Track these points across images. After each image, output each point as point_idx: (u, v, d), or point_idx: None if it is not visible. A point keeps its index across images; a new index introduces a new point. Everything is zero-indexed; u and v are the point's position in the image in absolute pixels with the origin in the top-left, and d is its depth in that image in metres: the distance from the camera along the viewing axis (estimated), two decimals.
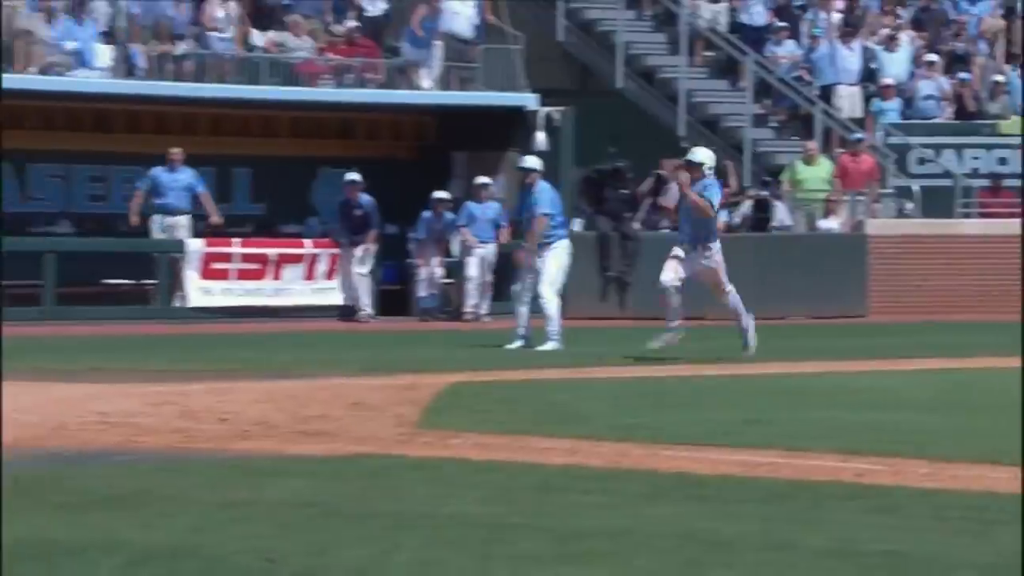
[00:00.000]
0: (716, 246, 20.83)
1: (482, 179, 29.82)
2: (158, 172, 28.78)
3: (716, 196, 21.07)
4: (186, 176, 29.03)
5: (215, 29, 30.60)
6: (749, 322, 20.95)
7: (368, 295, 29.65)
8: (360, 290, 29.53)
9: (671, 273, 20.67)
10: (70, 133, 29.91)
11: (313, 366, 19.80)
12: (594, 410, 15.34)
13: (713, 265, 20.72)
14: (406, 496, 10.67)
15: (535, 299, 22.66)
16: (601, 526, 9.33)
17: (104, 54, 29.04)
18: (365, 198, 29.30)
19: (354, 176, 29.36)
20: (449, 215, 29.95)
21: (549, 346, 22.35)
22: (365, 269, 29.44)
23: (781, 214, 31.99)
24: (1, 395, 14.06)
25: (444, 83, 31.64)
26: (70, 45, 28.70)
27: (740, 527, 9.16)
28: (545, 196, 22.78)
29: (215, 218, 29.21)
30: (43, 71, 28.40)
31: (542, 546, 8.67)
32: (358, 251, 29.20)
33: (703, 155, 21.26)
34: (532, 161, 23.67)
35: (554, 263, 22.52)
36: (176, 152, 28.88)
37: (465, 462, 12.10)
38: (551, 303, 22.53)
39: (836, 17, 35.40)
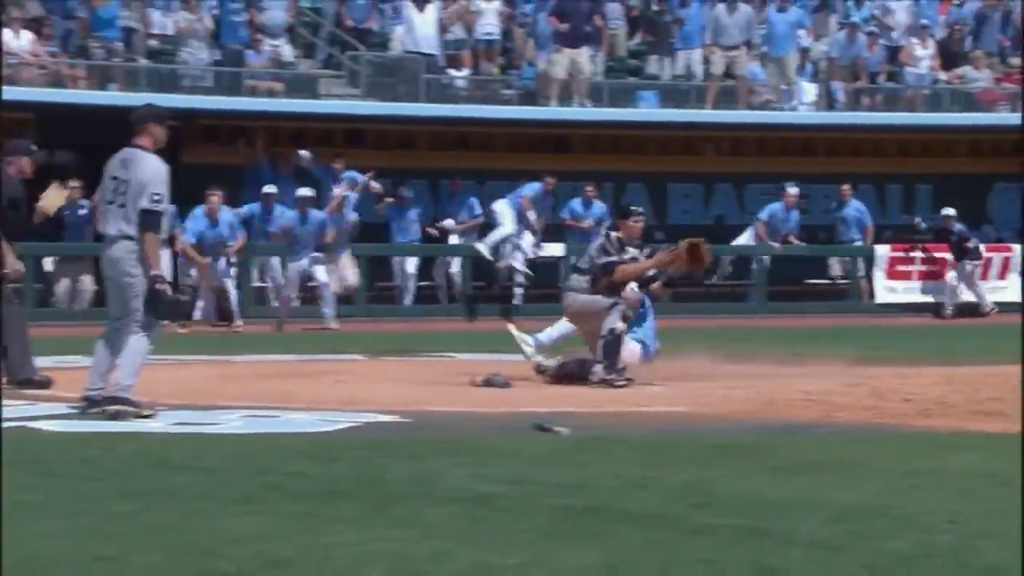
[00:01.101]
0: None
1: None
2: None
3: None
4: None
5: (909, 65, 30.83)
6: None
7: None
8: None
9: None
10: (779, 157, 30.62)
11: (980, 355, 18.68)
12: None
13: None
14: None
15: None
16: None
17: (810, 91, 29.60)
18: None
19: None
20: None
21: None
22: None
23: None
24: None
25: None
26: (784, 86, 29.31)
27: None
28: None
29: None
30: (757, 107, 29.13)
31: None
32: None
33: None
34: None
35: None
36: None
37: None
38: None
39: None
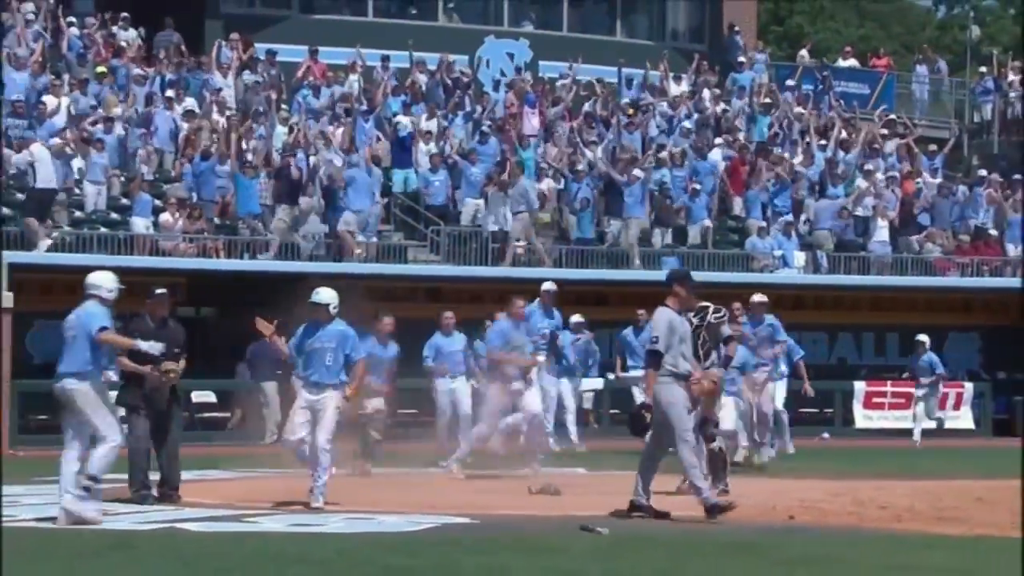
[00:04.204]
0: None
1: None
2: None
3: None
4: None
5: (876, 237, 30.65)
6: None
7: None
8: None
9: None
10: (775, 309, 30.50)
11: (941, 472, 18.30)
12: None
13: None
14: (1015, 564, 9.98)
15: None
16: None
17: (800, 258, 29.59)
18: None
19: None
20: None
21: None
22: None
23: None
24: None
25: None
26: (778, 252, 29.30)
27: None
28: None
29: None
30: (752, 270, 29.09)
31: None
32: None
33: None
34: None
35: None
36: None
37: None
38: None
39: None
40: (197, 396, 25.48)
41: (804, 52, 37.88)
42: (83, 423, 12.35)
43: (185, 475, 15.64)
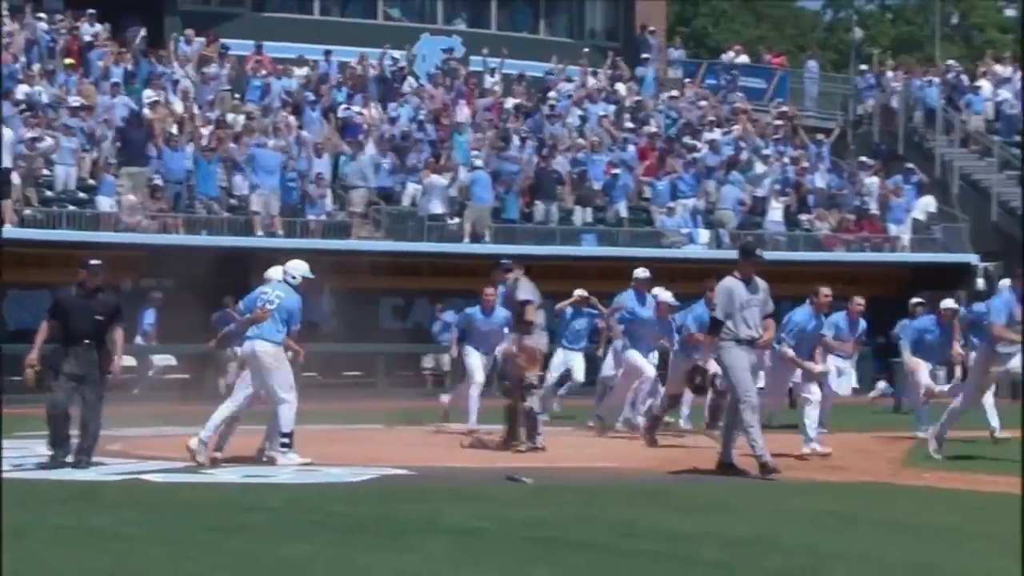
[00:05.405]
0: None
1: None
2: None
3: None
4: None
5: (771, 216, 30.80)
6: None
7: None
8: None
9: None
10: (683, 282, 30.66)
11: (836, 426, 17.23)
12: None
13: None
14: (888, 506, 10.30)
15: None
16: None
17: (704, 235, 29.69)
18: None
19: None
20: None
21: None
22: None
23: None
24: None
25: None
26: (685, 230, 29.24)
27: None
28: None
29: None
30: (663, 246, 29.12)
31: None
32: None
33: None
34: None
35: None
36: None
37: (934, 488, 11.44)
38: None
39: None
40: (159, 360, 25.38)
41: (732, 53, 37.93)
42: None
43: (146, 431, 15.51)
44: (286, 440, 13.20)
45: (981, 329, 16.26)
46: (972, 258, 30.82)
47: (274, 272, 13.70)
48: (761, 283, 12.48)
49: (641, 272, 17.23)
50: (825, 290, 15.25)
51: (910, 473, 12.66)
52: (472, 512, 9.61)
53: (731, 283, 12.32)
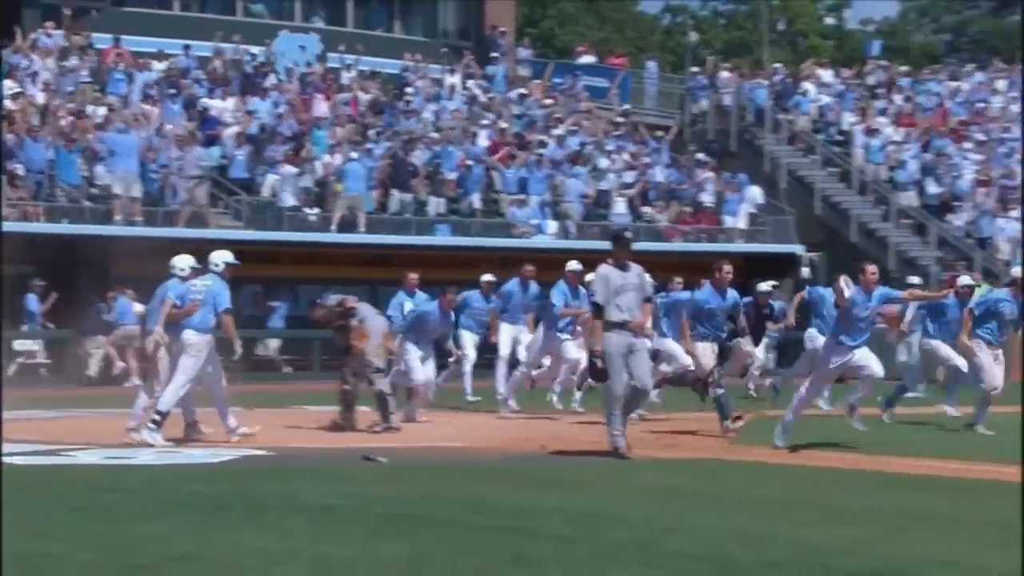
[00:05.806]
0: None
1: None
2: None
3: None
4: None
5: (615, 208, 31.08)
6: None
7: None
8: None
9: None
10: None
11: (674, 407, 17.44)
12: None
13: None
14: (721, 481, 10.48)
15: None
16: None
17: (552, 226, 29.87)
18: None
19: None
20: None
21: None
22: None
23: None
24: None
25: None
26: (534, 221, 29.40)
27: None
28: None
29: None
30: (513, 236, 29.26)
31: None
32: None
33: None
34: None
35: None
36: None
37: (762, 464, 11.62)
38: None
39: None
40: (21, 345, 24.80)
41: (585, 57, 38.13)
42: None
43: (9, 415, 15.10)
44: (158, 419, 13.01)
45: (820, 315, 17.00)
46: (798, 248, 31.43)
47: (179, 260, 13.70)
48: (635, 267, 12.47)
49: (575, 264, 17.75)
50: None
51: (741, 450, 12.83)
52: (328, 491, 9.55)
53: (606, 270, 12.31)
